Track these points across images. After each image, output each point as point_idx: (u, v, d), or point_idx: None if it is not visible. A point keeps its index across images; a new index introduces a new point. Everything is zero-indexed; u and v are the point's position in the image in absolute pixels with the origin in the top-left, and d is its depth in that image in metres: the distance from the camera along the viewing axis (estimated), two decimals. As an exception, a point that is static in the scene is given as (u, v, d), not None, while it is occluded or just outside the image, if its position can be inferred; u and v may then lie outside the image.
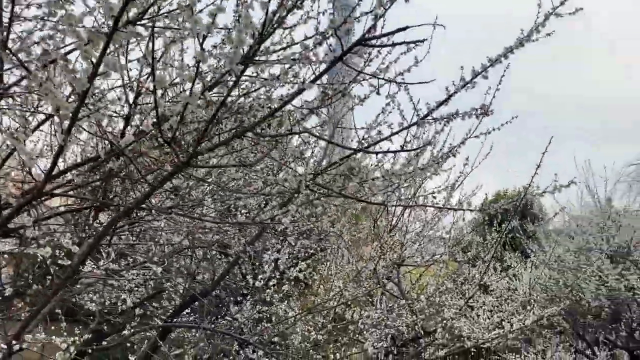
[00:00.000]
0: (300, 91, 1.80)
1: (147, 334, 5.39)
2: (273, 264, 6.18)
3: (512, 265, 14.82)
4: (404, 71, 3.73)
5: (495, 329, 6.77)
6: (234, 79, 1.83)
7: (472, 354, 15.78)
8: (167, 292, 4.84)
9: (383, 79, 2.22)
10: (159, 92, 1.62)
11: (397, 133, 3.89)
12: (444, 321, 4.25)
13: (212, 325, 3.99)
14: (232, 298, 4.98)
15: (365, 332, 4.18)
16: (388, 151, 3.80)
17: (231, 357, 5.02)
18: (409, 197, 7.45)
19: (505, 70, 3.69)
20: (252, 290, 4.62)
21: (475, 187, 7.21)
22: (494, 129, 3.92)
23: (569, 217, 14.94)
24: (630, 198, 16.72)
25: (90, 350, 3.60)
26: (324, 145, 5.53)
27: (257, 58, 1.74)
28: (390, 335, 6.77)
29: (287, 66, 2.03)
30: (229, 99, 2.15)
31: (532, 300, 13.58)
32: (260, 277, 3.90)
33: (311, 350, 4.46)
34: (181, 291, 4.44)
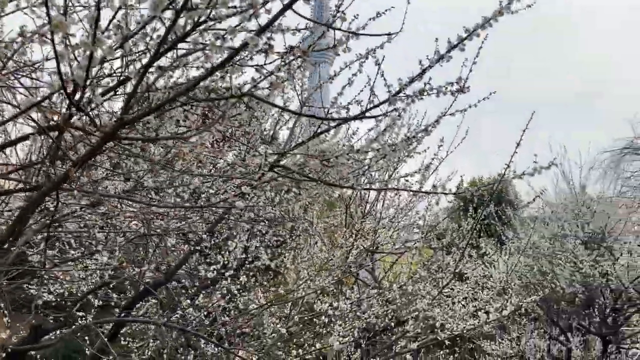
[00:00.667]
0: (242, 46, 1.50)
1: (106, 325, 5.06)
2: (233, 252, 5.88)
3: (488, 252, 14.75)
4: (376, 47, 3.46)
5: (471, 318, 6.58)
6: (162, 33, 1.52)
7: (447, 342, 15.77)
8: (124, 282, 4.52)
9: (338, 29, 1.93)
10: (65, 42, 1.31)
11: (367, 111, 3.60)
12: (417, 312, 3.99)
13: (166, 320, 3.69)
14: (184, 291, 4.66)
15: (333, 324, 3.91)
16: (349, 118, 3.52)
17: (197, 351, 4.73)
18: (383, 181, 7.21)
19: (483, 42, 3.42)
20: (204, 281, 4.32)
21: (451, 172, 6.97)
22: (470, 107, 3.66)
23: (544, 204, 14.87)
24: (604, 184, 16.75)
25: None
26: (291, 126, 5.23)
27: (190, 5, 1.43)
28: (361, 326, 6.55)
29: (234, 23, 1.72)
30: (164, 63, 1.84)
31: (509, 289, 13.53)
32: (213, 267, 3.59)
33: (278, 344, 4.19)
34: (137, 281, 4.12)
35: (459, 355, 18.08)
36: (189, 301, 4.08)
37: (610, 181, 19.75)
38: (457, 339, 15.93)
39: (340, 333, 3.43)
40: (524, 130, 3.03)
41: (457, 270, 4.36)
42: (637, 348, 14.36)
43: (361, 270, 8.27)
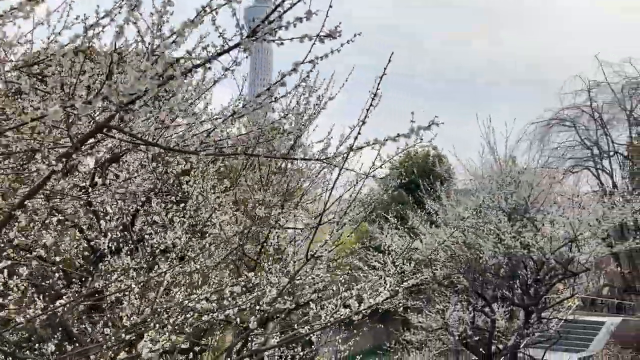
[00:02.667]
0: None
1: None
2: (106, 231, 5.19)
3: (414, 225, 14.51)
4: None
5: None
6: None
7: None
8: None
9: None
10: None
11: (218, 56, 2.98)
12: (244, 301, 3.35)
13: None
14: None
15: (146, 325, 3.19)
16: (195, 66, 2.88)
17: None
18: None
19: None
20: None
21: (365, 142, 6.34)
22: (332, 52, 3.03)
23: (473, 176, 14.69)
24: (530, 155, 16.73)
25: None
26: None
27: None
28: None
29: None
30: None
31: (435, 261, 13.30)
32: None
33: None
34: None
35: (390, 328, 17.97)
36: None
37: (536, 152, 19.95)
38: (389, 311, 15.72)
39: (150, 338, 2.73)
40: (381, 77, 2.41)
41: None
42: (559, 318, 14.51)
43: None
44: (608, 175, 25.01)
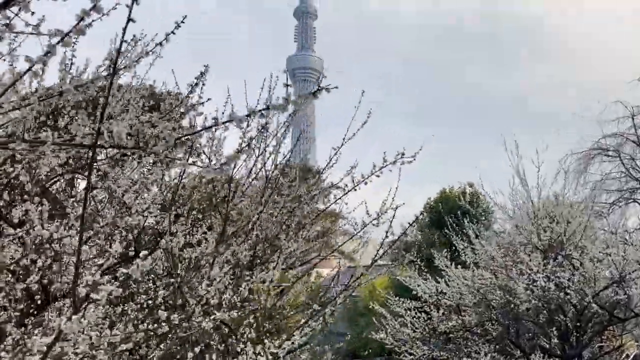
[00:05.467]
0: None
1: None
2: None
3: (441, 267, 13.19)
4: None
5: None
6: None
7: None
8: None
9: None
10: None
11: None
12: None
13: None
14: None
15: None
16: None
17: None
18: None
19: None
20: None
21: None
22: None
23: (498, 207, 13.33)
24: (566, 187, 15.23)
25: None
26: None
27: None
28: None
29: None
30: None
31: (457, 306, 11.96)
32: None
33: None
34: None
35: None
36: None
37: (574, 184, 18.28)
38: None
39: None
40: None
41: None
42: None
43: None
44: (660, 209, 22.91)
